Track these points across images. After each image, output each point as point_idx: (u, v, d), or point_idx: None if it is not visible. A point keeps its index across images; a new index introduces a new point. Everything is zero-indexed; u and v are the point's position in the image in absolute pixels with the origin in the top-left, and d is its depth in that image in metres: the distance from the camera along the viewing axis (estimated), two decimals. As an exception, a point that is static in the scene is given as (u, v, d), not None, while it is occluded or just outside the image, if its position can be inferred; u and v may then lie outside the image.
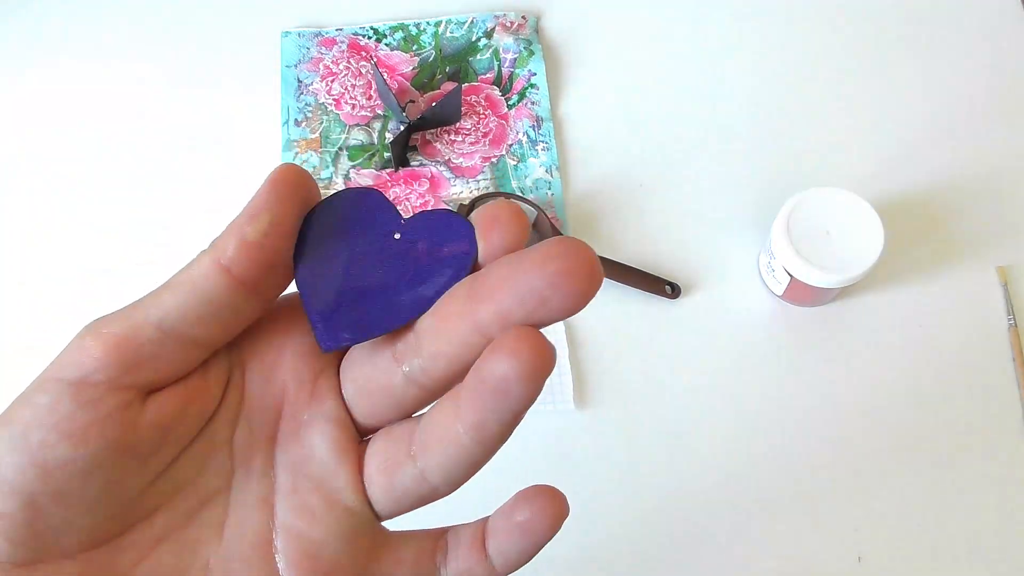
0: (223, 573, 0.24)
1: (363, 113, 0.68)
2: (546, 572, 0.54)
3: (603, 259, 0.62)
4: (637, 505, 0.56)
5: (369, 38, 0.71)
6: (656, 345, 0.60)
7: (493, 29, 0.71)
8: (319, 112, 0.68)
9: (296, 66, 0.69)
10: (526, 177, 0.65)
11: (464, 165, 0.66)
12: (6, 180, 0.66)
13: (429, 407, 0.24)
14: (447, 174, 0.66)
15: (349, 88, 0.69)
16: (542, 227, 0.62)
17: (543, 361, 0.21)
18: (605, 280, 0.61)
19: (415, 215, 0.25)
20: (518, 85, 0.69)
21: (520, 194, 0.64)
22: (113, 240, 0.64)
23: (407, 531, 0.26)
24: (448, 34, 0.71)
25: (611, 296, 0.61)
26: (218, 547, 0.24)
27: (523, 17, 0.72)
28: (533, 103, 0.68)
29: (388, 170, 0.66)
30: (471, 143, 0.67)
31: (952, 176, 0.65)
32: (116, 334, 0.23)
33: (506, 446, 0.23)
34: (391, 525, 0.25)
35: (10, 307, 0.62)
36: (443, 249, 0.24)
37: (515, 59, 0.70)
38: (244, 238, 0.24)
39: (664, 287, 0.61)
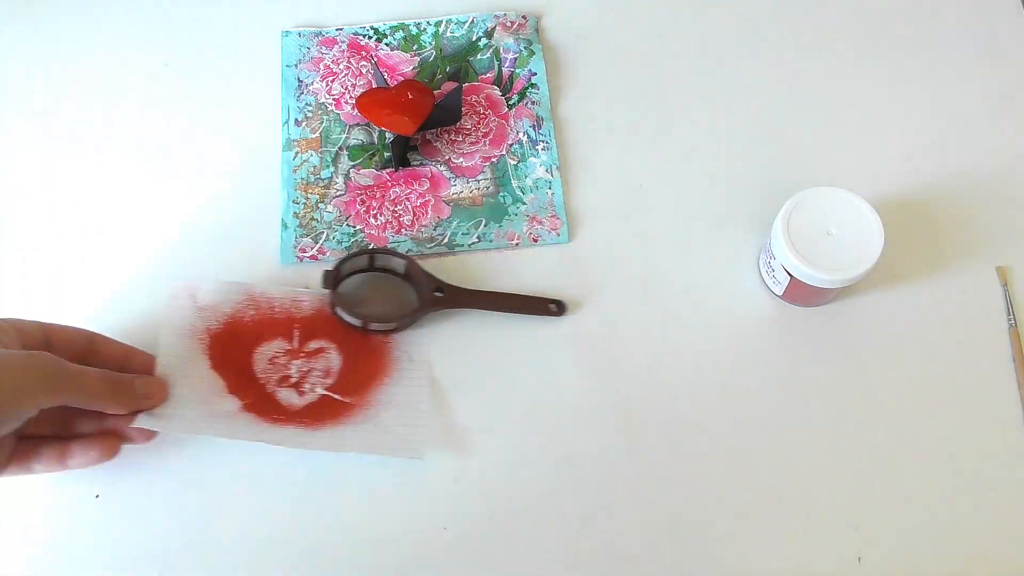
0: None
1: (363, 113, 0.68)
2: None
3: (483, 293, 0.60)
4: (636, 504, 0.56)
5: (369, 38, 0.71)
6: (657, 345, 0.60)
7: (493, 29, 0.71)
8: (319, 112, 0.68)
9: (296, 66, 0.69)
10: (526, 177, 0.65)
11: (464, 165, 0.66)
12: (2, 179, 0.66)
13: None
14: (447, 174, 0.66)
15: (349, 88, 0.69)
16: (415, 276, 0.60)
17: None
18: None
19: None
20: (518, 85, 0.69)
21: (517, 200, 0.64)
22: (111, 239, 0.64)
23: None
24: (448, 34, 0.71)
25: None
26: None
27: (523, 17, 0.72)
28: (533, 103, 0.68)
29: (388, 170, 0.66)
30: (471, 143, 0.67)
31: (952, 176, 0.65)
32: None
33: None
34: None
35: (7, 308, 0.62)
36: None
37: (515, 59, 0.70)
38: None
39: (549, 306, 0.60)
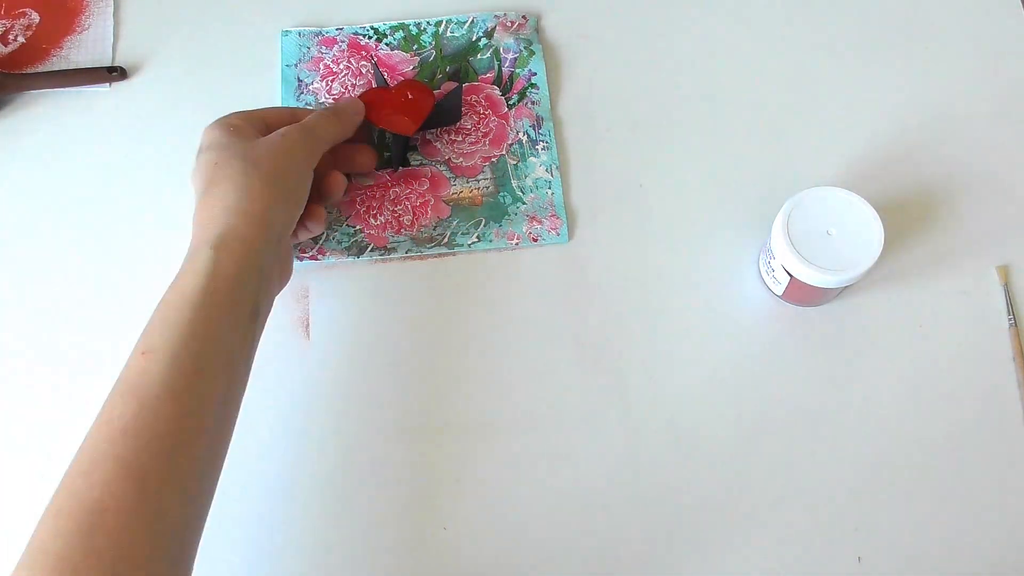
0: None
1: (363, 113, 0.67)
2: None
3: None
4: (636, 503, 0.56)
5: (369, 37, 0.71)
6: (657, 345, 0.60)
7: (493, 29, 0.71)
8: (319, 112, 0.68)
9: (296, 65, 0.69)
10: (526, 177, 0.65)
11: (464, 165, 0.66)
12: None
13: None
14: (447, 174, 0.66)
15: (349, 88, 0.69)
16: None
17: None
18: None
19: None
20: (518, 85, 0.69)
21: (520, 193, 0.64)
22: (109, 239, 0.64)
23: None
24: (448, 34, 0.71)
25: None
26: None
27: (523, 17, 0.72)
28: (533, 103, 0.68)
29: (388, 170, 0.66)
30: (471, 143, 0.67)
31: (952, 175, 0.65)
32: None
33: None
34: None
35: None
36: None
37: (515, 59, 0.70)
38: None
39: (104, 72, 0.63)
